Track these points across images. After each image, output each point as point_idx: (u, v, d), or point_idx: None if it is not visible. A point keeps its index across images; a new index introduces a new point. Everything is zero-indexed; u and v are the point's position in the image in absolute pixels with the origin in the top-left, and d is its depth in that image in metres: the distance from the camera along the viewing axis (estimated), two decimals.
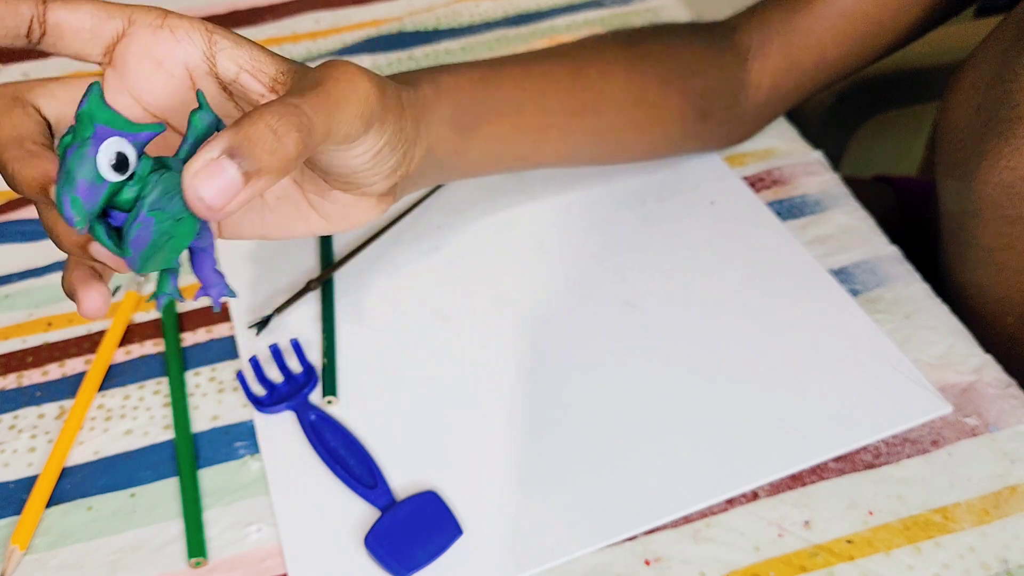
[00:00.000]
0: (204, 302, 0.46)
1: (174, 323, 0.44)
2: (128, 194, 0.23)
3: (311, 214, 0.32)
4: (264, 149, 0.23)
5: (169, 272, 0.27)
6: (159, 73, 0.27)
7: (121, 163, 0.23)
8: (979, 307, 0.44)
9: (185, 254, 0.27)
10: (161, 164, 0.24)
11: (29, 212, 0.50)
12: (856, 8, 0.44)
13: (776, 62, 0.46)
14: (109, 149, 0.22)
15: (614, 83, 0.43)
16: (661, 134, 0.46)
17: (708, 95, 0.46)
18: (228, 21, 0.65)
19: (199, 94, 0.25)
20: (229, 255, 0.48)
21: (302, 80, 0.27)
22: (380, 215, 0.33)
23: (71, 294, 0.27)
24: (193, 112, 0.25)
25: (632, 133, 0.45)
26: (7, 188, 0.53)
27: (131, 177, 0.23)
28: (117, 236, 0.24)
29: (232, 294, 0.28)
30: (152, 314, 0.45)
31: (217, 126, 0.25)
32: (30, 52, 0.62)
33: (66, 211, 0.22)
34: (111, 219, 0.24)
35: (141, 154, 0.23)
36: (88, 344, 0.44)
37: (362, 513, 0.37)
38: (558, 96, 0.41)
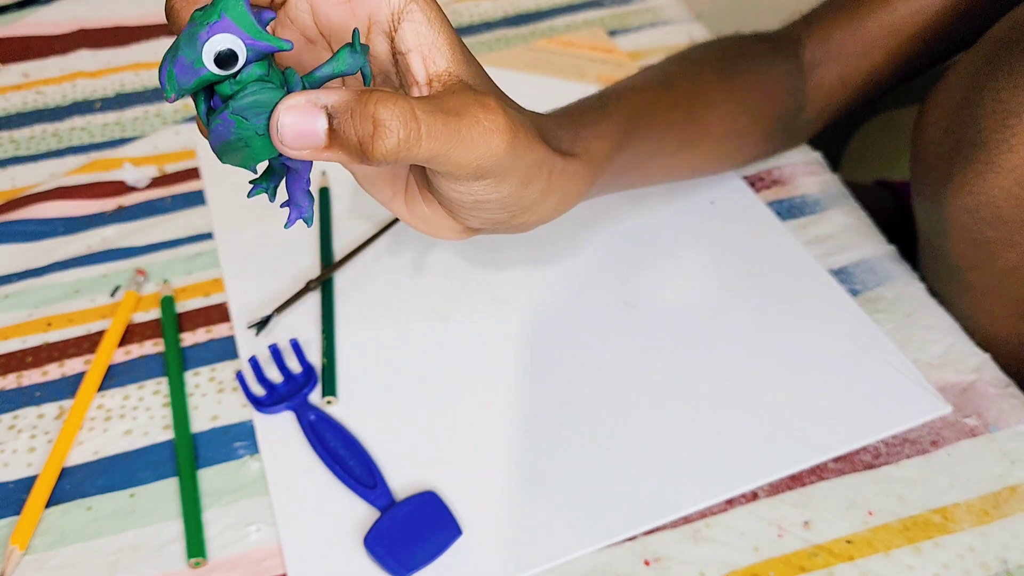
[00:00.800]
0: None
1: (173, 323, 0.44)
2: (226, 90, 0.24)
3: (401, 195, 0.31)
4: (358, 133, 0.23)
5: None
6: (344, 6, 0.27)
7: (226, 59, 0.23)
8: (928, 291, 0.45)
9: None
10: (281, 78, 0.24)
11: (29, 212, 0.50)
12: (905, 24, 0.44)
13: (832, 80, 0.46)
14: (218, 43, 0.22)
15: (714, 117, 0.43)
16: (741, 160, 0.47)
17: (782, 119, 0.46)
18: None
19: (355, 34, 0.25)
20: (229, 254, 0.48)
21: (452, 96, 0.26)
22: (456, 239, 0.32)
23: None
24: (344, 46, 0.25)
25: (720, 162, 0.46)
26: (7, 188, 0.53)
27: (236, 76, 0.23)
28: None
29: (309, 222, 0.27)
30: (152, 314, 0.45)
31: (362, 70, 0.25)
32: (29, 52, 0.62)
33: (161, 76, 0.23)
34: (212, 101, 0.24)
35: (258, 61, 0.23)
36: (87, 344, 0.44)
37: (361, 513, 0.37)
38: (673, 134, 0.41)
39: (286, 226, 0.27)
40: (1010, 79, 0.35)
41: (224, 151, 0.24)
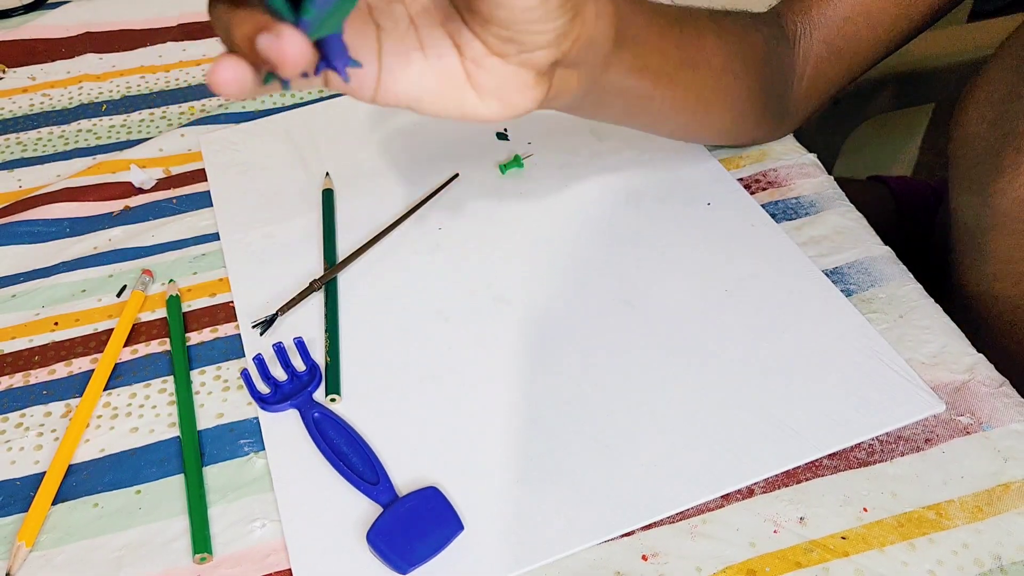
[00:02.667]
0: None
1: (179, 323, 0.45)
2: None
3: (467, 90, 0.30)
4: None
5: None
6: None
7: None
8: (995, 318, 0.44)
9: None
10: None
11: (36, 213, 0.51)
12: None
13: (817, 49, 0.47)
14: None
15: (710, 45, 0.42)
16: (739, 113, 0.46)
17: (772, 83, 0.46)
18: None
19: None
20: (234, 254, 0.49)
21: None
22: (534, 104, 0.31)
23: (211, 72, 0.24)
24: None
25: (718, 102, 0.45)
26: (14, 190, 0.53)
27: None
28: (293, 8, 0.23)
29: (357, 63, 0.26)
30: (158, 314, 0.46)
31: None
32: (36, 55, 0.63)
33: None
34: None
35: None
36: (94, 343, 0.45)
37: (364, 509, 0.37)
38: (672, 43, 0.40)
39: (345, 79, 0.26)
40: None
41: (326, 15, 0.23)
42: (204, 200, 0.52)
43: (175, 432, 0.41)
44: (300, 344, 0.43)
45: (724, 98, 0.45)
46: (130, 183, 0.53)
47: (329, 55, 0.26)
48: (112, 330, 0.45)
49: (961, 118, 0.41)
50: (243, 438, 0.40)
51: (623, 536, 0.37)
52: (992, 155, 0.38)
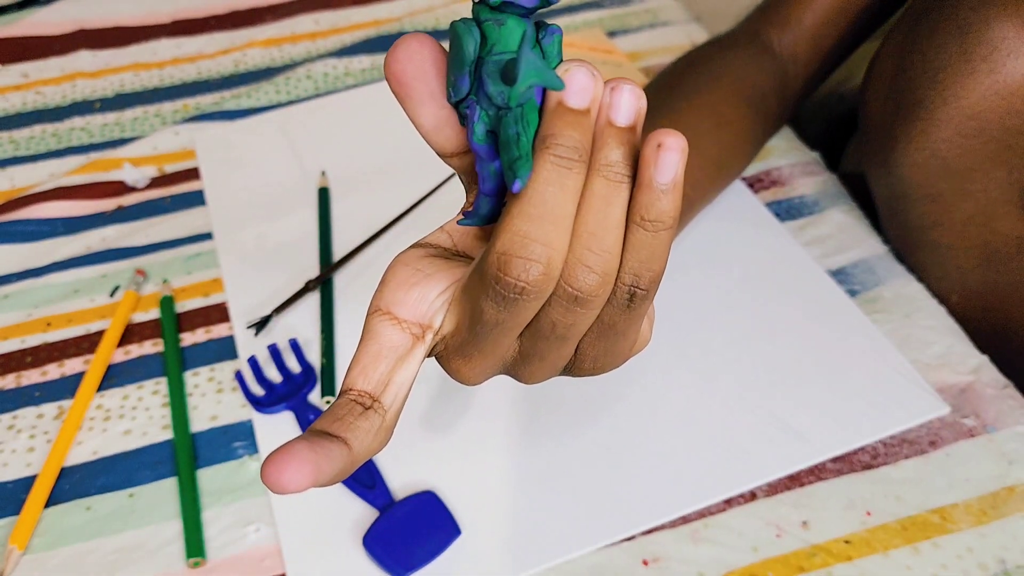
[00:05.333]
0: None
1: (173, 323, 0.44)
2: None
3: None
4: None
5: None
6: None
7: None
8: (928, 290, 0.46)
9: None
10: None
11: (29, 212, 0.50)
12: None
13: (804, 53, 0.47)
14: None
15: (705, 120, 0.43)
16: (750, 149, 0.47)
17: (769, 99, 0.47)
18: (228, 21, 0.65)
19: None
20: (229, 254, 0.48)
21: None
22: None
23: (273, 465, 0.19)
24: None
25: (730, 158, 0.45)
26: (6, 188, 0.53)
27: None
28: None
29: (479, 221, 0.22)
30: (151, 314, 0.45)
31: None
32: (29, 52, 0.62)
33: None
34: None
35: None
36: (87, 344, 0.44)
37: (360, 513, 0.37)
38: (704, 154, 0.41)
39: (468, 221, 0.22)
40: (932, 39, 0.38)
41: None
42: (198, 199, 0.52)
43: (168, 434, 0.40)
44: (295, 345, 0.43)
45: (732, 151, 0.46)
46: (123, 182, 0.52)
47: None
48: (105, 331, 0.44)
49: (864, 97, 0.44)
50: (237, 440, 0.40)
51: (623, 541, 0.36)
52: (888, 127, 0.41)
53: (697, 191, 0.42)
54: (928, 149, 0.39)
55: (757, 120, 0.46)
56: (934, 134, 0.39)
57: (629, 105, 0.19)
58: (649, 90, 0.45)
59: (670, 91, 0.44)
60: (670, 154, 0.18)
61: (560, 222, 0.18)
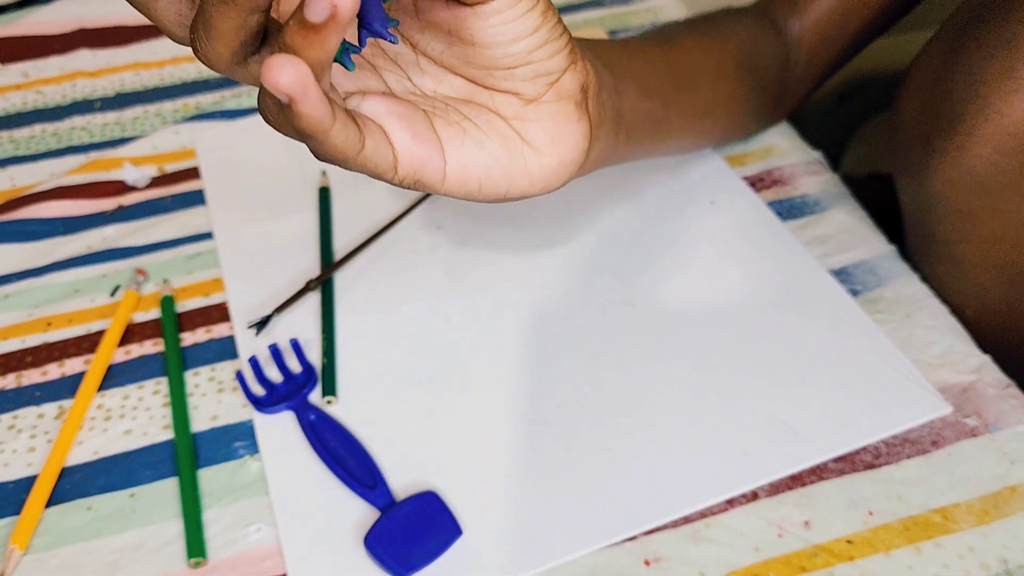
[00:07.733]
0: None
1: (173, 323, 0.44)
2: None
3: (525, 149, 0.30)
4: None
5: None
6: None
7: None
8: (943, 300, 0.45)
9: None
10: None
11: (29, 212, 0.50)
12: None
13: (809, 38, 0.47)
14: None
15: (696, 57, 0.43)
16: (742, 113, 0.47)
17: (766, 75, 0.47)
18: None
19: None
20: (229, 254, 0.48)
21: None
22: (584, 140, 0.30)
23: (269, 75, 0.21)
24: None
25: (722, 109, 0.46)
26: (6, 188, 0.53)
27: None
28: None
29: (396, 21, 0.26)
30: (152, 314, 0.45)
31: None
32: (29, 52, 0.62)
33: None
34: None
35: None
36: (87, 344, 0.44)
37: (362, 513, 0.37)
38: (661, 63, 0.40)
39: (393, 41, 0.25)
40: (979, 51, 0.37)
41: None
42: (199, 198, 0.52)
43: (169, 434, 0.40)
44: (296, 345, 0.43)
45: (726, 103, 0.46)
46: (123, 181, 0.52)
47: (368, 19, 0.25)
48: (105, 331, 0.44)
49: (898, 106, 0.43)
50: (238, 440, 0.40)
51: (625, 541, 0.36)
52: (924, 139, 0.40)
53: (680, 119, 0.41)
54: (964, 165, 0.38)
55: (755, 89, 0.46)
56: (972, 150, 0.37)
57: None
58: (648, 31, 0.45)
59: (674, 27, 0.44)
60: None
61: None
